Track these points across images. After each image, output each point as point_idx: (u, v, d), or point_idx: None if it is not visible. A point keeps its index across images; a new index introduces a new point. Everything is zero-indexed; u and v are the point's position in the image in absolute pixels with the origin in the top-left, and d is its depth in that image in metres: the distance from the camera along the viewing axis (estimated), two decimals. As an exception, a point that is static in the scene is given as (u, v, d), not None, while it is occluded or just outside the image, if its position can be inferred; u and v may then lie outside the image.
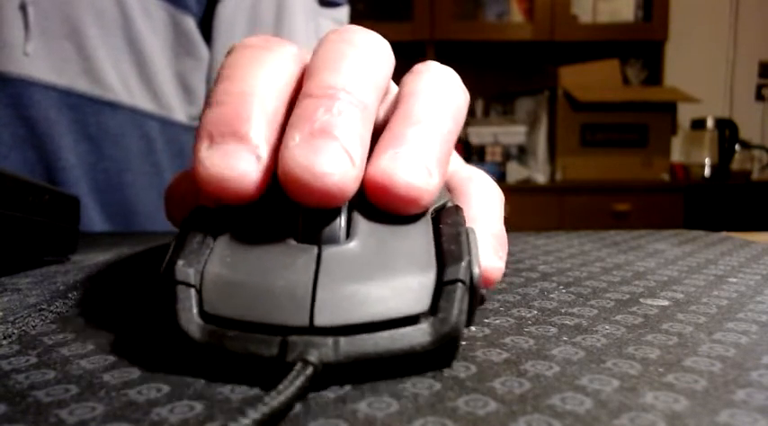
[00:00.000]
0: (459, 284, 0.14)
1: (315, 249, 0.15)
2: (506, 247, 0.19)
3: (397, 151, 0.16)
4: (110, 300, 0.20)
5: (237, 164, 0.15)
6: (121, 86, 0.46)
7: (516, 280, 0.23)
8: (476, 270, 0.15)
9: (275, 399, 0.11)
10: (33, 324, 0.17)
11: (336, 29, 0.18)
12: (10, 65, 0.43)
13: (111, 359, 0.14)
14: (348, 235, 0.15)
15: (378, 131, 0.17)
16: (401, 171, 0.15)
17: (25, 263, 0.26)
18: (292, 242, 0.15)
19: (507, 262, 0.27)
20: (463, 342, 0.16)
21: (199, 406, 0.12)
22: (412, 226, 0.16)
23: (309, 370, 0.12)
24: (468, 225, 0.18)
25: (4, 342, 0.16)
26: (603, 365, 0.14)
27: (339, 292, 0.14)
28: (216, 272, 0.14)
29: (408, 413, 0.12)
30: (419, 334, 0.13)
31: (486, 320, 0.18)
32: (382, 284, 0.14)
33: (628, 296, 0.21)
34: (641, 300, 0.20)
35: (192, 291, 0.14)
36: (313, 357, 0.12)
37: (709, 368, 0.14)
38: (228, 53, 0.18)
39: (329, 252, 0.14)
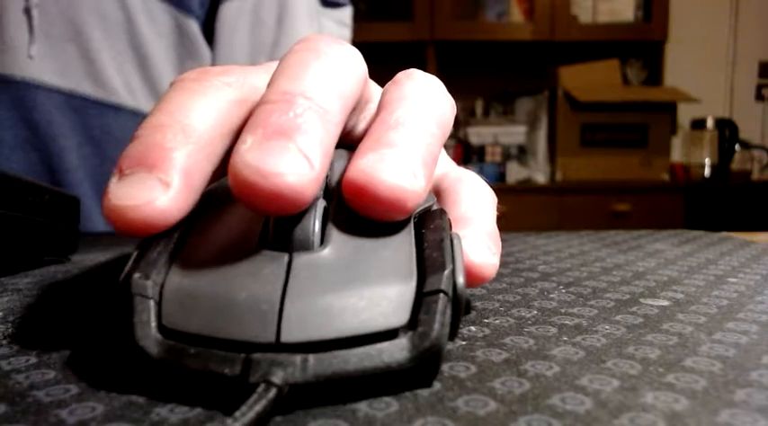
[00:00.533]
0: (441, 295, 0.13)
1: (285, 257, 0.13)
2: (500, 245, 0.19)
3: (380, 152, 0.15)
4: (110, 300, 0.20)
5: (141, 192, 0.14)
6: (125, 89, 0.46)
7: (516, 280, 0.23)
8: (459, 280, 0.13)
9: (235, 424, 0.10)
10: (33, 325, 0.17)
11: (303, 38, 0.17)
12: (14, 67, 0.43)
13: (111, 359, 0.14)
14: (322, 241, 0.14)
15: (358, 142, 0.16)
16: (384, 171, 0.14)
17: (25, 263, 0.26)
18: (262, 249, 0.14)
19: (507, 262, 0.27)
20: (463, 342, 0.16)
21: (198, 407, 0.12)
22: (392, 230, 0.15)
23: (272, 393, 0.11)
24: (460, 223, 0.17)
25: (4, 342, 0.16)
26: (603, 365, 0.14)
27: (309, 304, 0.12)
28: (177, 283, 0.13)
29: (408, 413, 0.12)
30: (396, 350, 0.12)
31: (486, 320, 0.18)
32: (357, 295, 0.13)
33: (628, 296, 0.21)
34: (641, 300, 0.20)
35: (151, 303, 0.13)
36: (277, 378, 0.11)
37: (709, 368, 0.14)
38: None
39: (300, 259, 0.13)
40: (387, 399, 0.12)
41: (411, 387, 0.13)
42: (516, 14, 1.87)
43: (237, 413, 0.10)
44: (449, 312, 0.13)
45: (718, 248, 0.31)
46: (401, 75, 0.19)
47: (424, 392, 0.12)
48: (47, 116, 0.44)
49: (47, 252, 0.26)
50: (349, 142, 0.18)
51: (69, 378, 0.13)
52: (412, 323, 0.13)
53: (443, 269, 0.13)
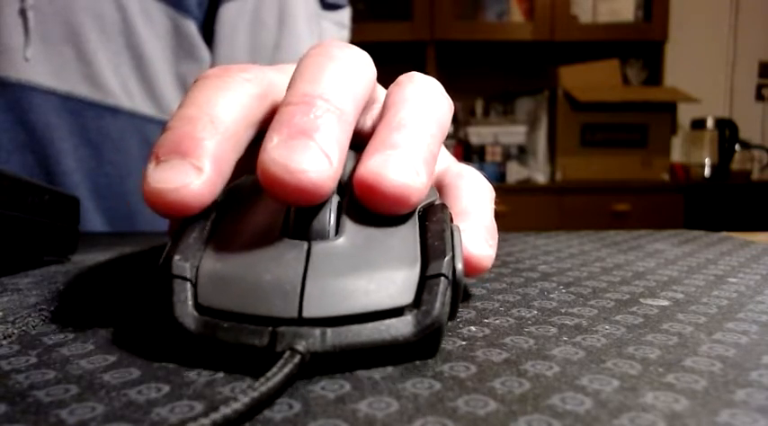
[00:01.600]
0: (442, 278, 0.15)
1: (305, 244, 0.15)
2: (496, 237, 0.20)
3: (386, 153, 0.16)
4: (110, 300, 0.20)
5: (177, 177, 0.15)
6: (122, 91, 0.46)
7: (516, 280, 0.23)
8: (458, 266, 0.15)
9: (264, 385, 0.12)
10: (33, 324, 0.17)
11: (317, 44, 0.19)
12: (10, 70, 0.42)
13: (111, 359, 0.14)
14: (337, 231, 0.16)
15: (366, 139, 0.17)
16: (390, 171, 0.16)
17: (25, 263, 0.26)
18: (284, 237, 0.15)
19: (507, 262, 0.27)
20: (463, 342, 0.16)
21: (199, 406, 0.12)
22: (399, 222, 0.16)
23: (297, 359, 0.13)
24: (460, 217, 0.19)
25: (4, 342, 0.16)
26: (603, 365, 0.14)
27: (326, 285, 0.14)
28: (211, 267, 0.15)
29: (408, 413, 0.12)
30: (403, 326, 0.14)
31: (486, 320, 0.18)
32: (368, 278, 0.14)
33: (628, 296, 0.21)
34: (641, 300, 0.20)
35: (188, 284, 0.15)
36: (301, 346, 0.13)
37: (709, 368, 0.14)
38: (192, 85, 0.19)
39: (318, 247, 0.15)
40: (387, 399, 0.12)
41: (416, 358, 0.14)
42: (516, 14, 1.87)
43: (269, 373, 0.12)
44: (449, 293, 0.15)
45: (718, 248, 0.31)
46: (403, 77, 0.20)
47: (424, 392, 0.13)
48: (43, 118, 0.44)
49: (47, 252, 0.26)
50: (357, 138, 0.18)
51: (69, 378, 0.13)
52: (416, 303, 0.14)
53: (444, 256, 0.15)
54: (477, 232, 0.19)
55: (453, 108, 0.20)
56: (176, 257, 0.15)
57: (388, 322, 0.14)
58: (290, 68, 0.19)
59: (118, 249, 0.31)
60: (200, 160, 0.16)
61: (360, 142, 0.18)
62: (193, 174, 0.15)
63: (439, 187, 0.21)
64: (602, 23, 1.87)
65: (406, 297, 0.14)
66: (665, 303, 0.20)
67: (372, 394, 0.12)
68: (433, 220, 0.17)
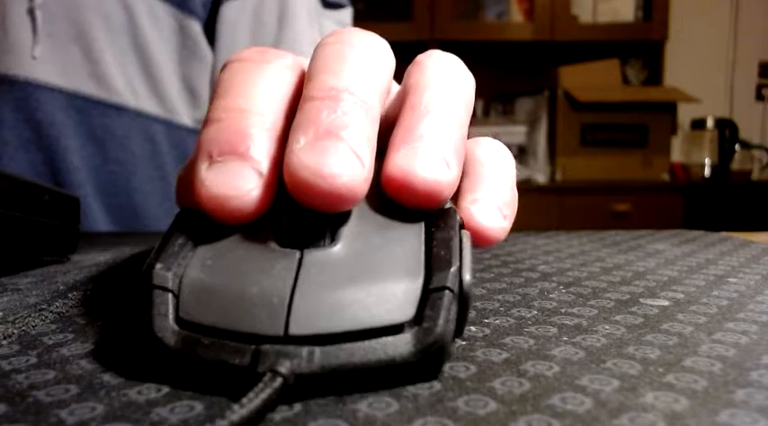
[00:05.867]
0: (447, 292, 0.13)
1: (297, 253, 0.14)
2: (515, 207, 0.19)
3: (413, 146, 0.15)
4: (110, 300, 0.20)
5: (239, 182, 0.14)
6: (127, 89, 0.46)
7: (516, 280, 0.23)
8: (466, 278, 0.14)
9: (236, 413, 0.11)
10: (33, 324, 0.17)
11: (334, 30, 0.18)
12: (17, 68, 0.43)
13: (112, 359, 0.14)
14: (334, 238, 0.15)
15: (384, 127, 0.16)
16: (419, 167, 0.15)
17: (25, 263, 0.26)
18: (274, 246, 0.14)
19: (507, 262, 0.27)
20: (463, 342, 0.16)
21: (199, 406, 0.12)
22: (403, 228, 0.15)
23: (278, 382, 0.12)
24: (474, 184, 0.17)
25: (4, 342, 0.16)
26: (603, 365, 0.14)
27: (317, 299, 0.13)
28: (194, 277, 0.14)
29: (408, 413, 0.12)
30: (401, 345, 0.13)
31: (486, 320, 0.18)
32: (364, 290, 0.13)
33: (628, 296, 0.21)
34: (641, 300, 0.20)
35: (169, 296, 0.14)
36: (284, 368, 0.12)
37: (709, 368, 0.14)
38: (223, 68, 0.18)
39: (311, 256, 0.14)
40: (387, 399, 0.12)
41: (415, 381, 0.13)
42: (516, 14, 1.87)
43: (244, 400, 0.11)
44: (454, 308, 0.13)
45: (718, 248, 0.31)
46: (423, 56, 0.19)
47: (424, 392, 0.12)
48: (50, 116, 0.44)
49: (47, 252, 0.26)
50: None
51: (69, 378, 0.13)
52: (417, 319, 0.13)
53: (450, 266, 0.14)
54: (489, 201, 0.18)
55: (475, 85, 0.19)
56: (158, 266, 0.14)
57: (384, 340, 0.13)
58: None
59: (118, 249, 0.31)
60: (260, 164, 0.15)
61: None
62: (254, 180, 0.15)
63: None
64: (602, 23, 1.86)
65: (406, 312, 0.13)
66: (665, 303, 0.20)
67: (372, 395, 0.12)
68: (440, 227, 0.15)
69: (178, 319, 0.13)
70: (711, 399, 0.12)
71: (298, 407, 0.12)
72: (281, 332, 0.12)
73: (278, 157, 0.15)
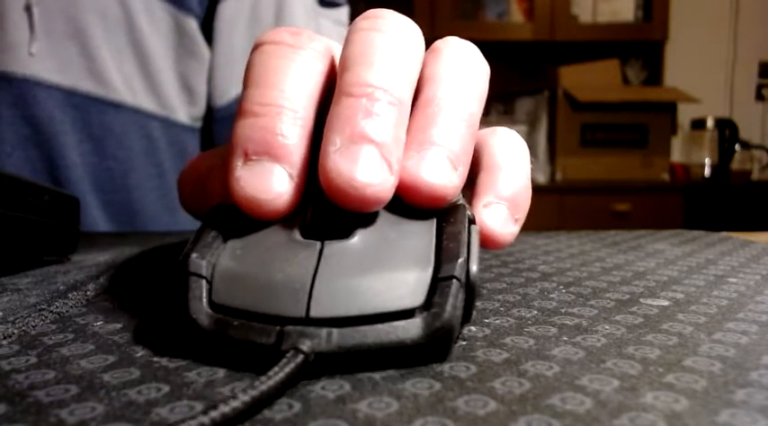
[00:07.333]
0: (454, 281, 0.14)
1: (318, 244, 0.15)
2: (527, 204, 0.19)
3: (422, 148, 0.16)
4: (110, 300, 0.20)
5: (272, 185, 0.16)
6: (125, 86, 0.46)
7: (516, 280, 0.23)
8: (473, 268, 0.15)
9: (264, 384, 0.12)
10: (33, 324, 0.17)
11: (368, 13, 0.18)
12: (15, 65, 0.43)
13: (111, 359, 0.14)
14: (352, 231, 0.16)
15: None
16: (425, 171, 0.16)
17: (25, 263, 0.26)
18: (298, 237, 0.16)
19: (507, 262, 0.27)
20: (463, 342, 0.16)
21: (199, 406, 0.12)
22: (416, 223, 0.16)
23: (300, 358, 0.13)
24: (487, 179, 0.18)
25: (4, 342, 0.16)
26: (603, 365, 0.14)
27: (336, 285, 0.14)
28: (226, 265, 0.15)
29: (408, 413, 0.12)
30: (411, 328, 0.14)
31: (486, 320, 0.18)
32: (379, 279, 0.14)
33: (628, 296, 0.21)
34: (641, 300, 0.20)
35: (203, 282, 0.15)
36: (305, 346, 0.13)
37: (709, 368, 0.14)
38: (255, 48, 0.18)
39: (331, 247, 0.15)
40: (387, 399, 0.12)
41: (426, 362, 0.14)
42: (516, 14, 1.87)
43: (270, 372, 0.12)
44: (461, 296, 0.15)
45: (719, 248, 0.31)
46: (440, 44, 0.19)
47: (424, 392, 0.13)
48: (47, 113, 0.44)
49: (47, 252, 0.26)
50: None
51: (69, 378, 0.13)
52: (427, 305, 0.14)
53: (458, 257, 0.15)
54: (502, 206, 0.18)
55: (489, 72, 0.19)
56: (194, 255, 0.15)
57: (396, 324, 0.14)
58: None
59: (118, 249, 0.31)
60: (293, 166, 0.16)
61: None
62: (287, 182, 0.16)
63: None
64: (602, 23, 1.87)
65: (417, 298, 0.14)
66: (665, 303, 0.20)
67: (372, 395, 0.12)
68: (450, 221, 0.16)
69: (211, 303, 0.15)
70: (711, 399, 0.12)
71: (298, 407, 0.12)
72: (302, 314, 0.14)
73: (309, 153, 0.16)
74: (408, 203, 0.16)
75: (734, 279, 0.23)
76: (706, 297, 0.20)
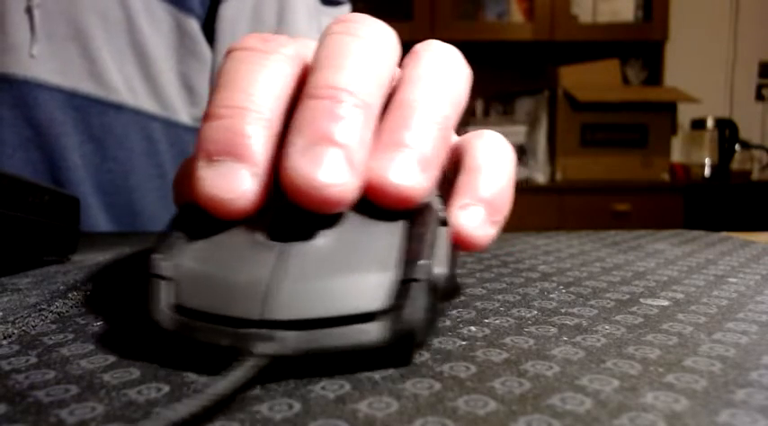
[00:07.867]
0: (416, 283, 0.14)
1: (280, 246, 0.15)
2: (507, 207, 0.19)
3: (390, 150, 0.16)
4: (110, 300, 0.20)
5: (235, 184, 0.15)
6: (126, 88, 0.46)
7: (516, 280, 0.23)
8: (436, 270, 0.15)
9: (211, 389, 0.11)
10: (33, 324, 0.17)
11: (340, 17, 0.18)
12: (16, 67, 0.43)
13: (112, 359, 0.14)
14: (317, 232, 0.15)
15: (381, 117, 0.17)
16: (392, 173, 0.16)
17: (25, 263, 0.26)
18: (261, 238, 0.15)
19: (507, 262, 0.27)
20: (463, 342, 0.16)
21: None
22: (383, 225, 0.16)
23: (252, 363, 0.13)
24: (468, 182, 0.18)
25: (4, 342, 0.16)
26: (603, 365, 0.14)
27: (295, 288, 0.14)
28: (189, 266, 0.15)
29: (408, 413, 0.12)
30: (371, 331, 0.14)
31: (486, 320, 0.18)
32: (340, 281, 0.14)
33: (628, 296, 0.21)
34: (641, 300, 0.20)
35: (165, 283, 0.15)
36: (259, 349, 0.13)
37: (709, 368, 0.14)
38: (227, 54, 0.18)
39: (293, 248, 0.15)
40: (387, 399, 0.12)
41: (389, 365, 0.14)
42: (516, 14, 1.87)
43: (219, 378, 0.12)
44: (424, 298, 0.14)
45: (719, 248, 0.31)
46: (420, 47, 0.19)
47: (424, 392, 0.13)
48: (48, 115, 0.44)
49: (47, 252, 0.26)
50: None
51: (69, 378, 0.13)
52: (388, 308, 0.14)
53: (421, 259, 0.15)
54: (479, 208, 0.18)
55: (471, 77, 0.19)
56: (158, 256, 0.15)
57: (356, 327, 0.14)
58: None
59: (118, 249, 0.31)
60: (257, 165, 0.16)
61: None
62: (250, 182, 0.15)
63: (455, 147, 0.20)
64: (602, 23, 1.87)
65: (378, 301, 0.14)
66: (665, 303, 0.20)
67: (372, 395, 0.12)
68: (418, 222, 0.16)
69: (174, 304, 0.14)
70: (711, 399, 0.12)
71: (297, 407, 0.12)
72: (258, 316, 0.14)
73: (275, 155, 0.16)
74: (377, 205, 0.16)
75: (734, 279, 0.23)
76: (706, 297, 0.20)
